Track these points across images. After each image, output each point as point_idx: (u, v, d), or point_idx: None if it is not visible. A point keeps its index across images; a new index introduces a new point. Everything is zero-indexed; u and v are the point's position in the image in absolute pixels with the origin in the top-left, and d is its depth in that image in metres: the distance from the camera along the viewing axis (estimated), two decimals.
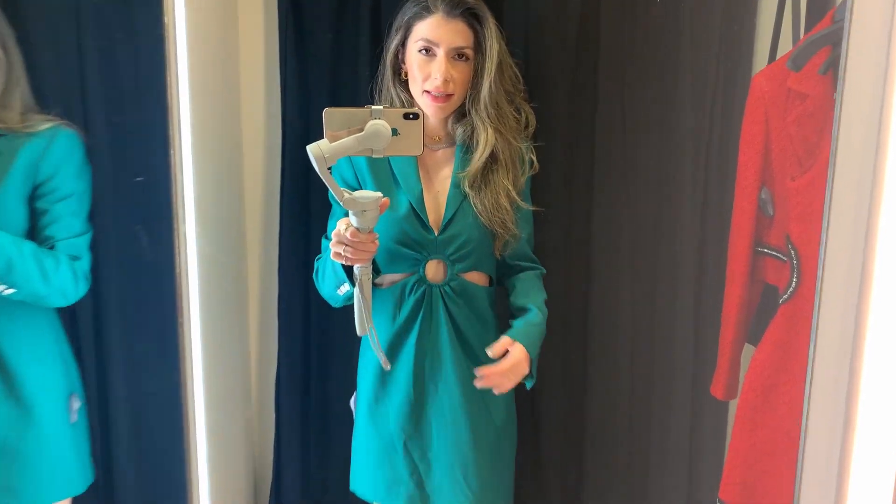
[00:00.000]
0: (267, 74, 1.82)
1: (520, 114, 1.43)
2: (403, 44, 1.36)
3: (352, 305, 1.27)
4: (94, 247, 1.42)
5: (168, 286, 1.46)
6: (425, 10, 1.32)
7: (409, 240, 1.35)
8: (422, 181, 1.39)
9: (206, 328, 1.56)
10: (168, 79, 1.38)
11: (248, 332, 1.89)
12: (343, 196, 1.10)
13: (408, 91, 1.39)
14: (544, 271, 1.51)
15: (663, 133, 1.80)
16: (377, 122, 1.07)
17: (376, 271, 1.33)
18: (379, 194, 1.13)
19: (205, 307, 1.55)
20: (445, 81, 1.31)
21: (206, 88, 1.57)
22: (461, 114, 1.40)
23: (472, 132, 1.38)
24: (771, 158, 1.35)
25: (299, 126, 1.73)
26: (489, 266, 1.44)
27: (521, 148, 1.41)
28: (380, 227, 1.24)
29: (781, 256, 1.34)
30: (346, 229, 1.16)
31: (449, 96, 1.33)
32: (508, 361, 1.30)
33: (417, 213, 1.36)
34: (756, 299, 1.46)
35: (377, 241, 1.19)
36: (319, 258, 1.42)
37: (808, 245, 1.15)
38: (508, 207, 1.37)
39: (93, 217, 1.42)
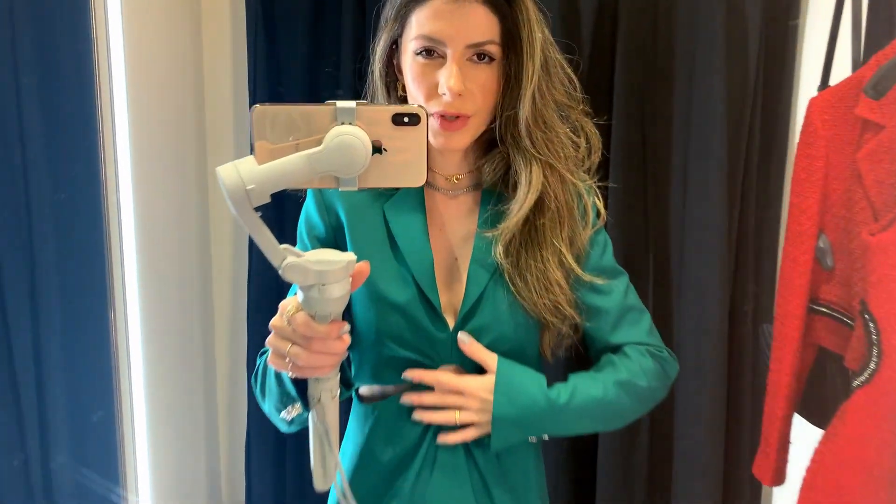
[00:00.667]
0: (234, 73, 1.67)
1: (578, 135, 1.00)
2: (397, 43, 0.94)
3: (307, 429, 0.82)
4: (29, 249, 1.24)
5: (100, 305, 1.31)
6: None
7: (411, 336, 0.95)
8: (432, 243, 0.96)
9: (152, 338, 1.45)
10: (96, 73, 1.19)
11: (213, 339, 1.80)
12: (282, 258, 0.66)
13: None
14: (665, 352, 1.03)
15: (690, 165, 1.61)
16: (346, 131, 0.64)
17: (346, 385, 0.94)
18: (349, 256, 0.69)
19: (150, 320, 1.43)
20: (459, 96, 0.87)
21: (154, 85, 1.44)
22: (489, 142, 0.98)
23: (508, 169, 0.96)
24: (832, 201, 1.13)
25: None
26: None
27: (579, 187, 0.98)
28: (360, 310, 0.93)
29: (845, 320, 1.12)
30: (291, 315, 0.72)
31: (466, 118, 0.89)
32: (450, 383, 0.93)
33: (424, 295, 0.94)
34: (808, 364, 1.23)
35: (347, 338, 0.74)
36: (263, 353, 0.97)
37: (894, 318, 0.93)
38: (563, 282, 0.94)
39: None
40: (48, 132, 1.20)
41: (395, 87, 0.98)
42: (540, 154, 0.93)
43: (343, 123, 0.64)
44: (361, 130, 0.64)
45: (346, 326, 0.74)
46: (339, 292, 0.69)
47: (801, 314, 1.16)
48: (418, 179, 0.68)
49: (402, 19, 0.91)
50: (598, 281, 0.99)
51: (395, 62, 0.96)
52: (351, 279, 0.71)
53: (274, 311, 0.76)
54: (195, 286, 1.72)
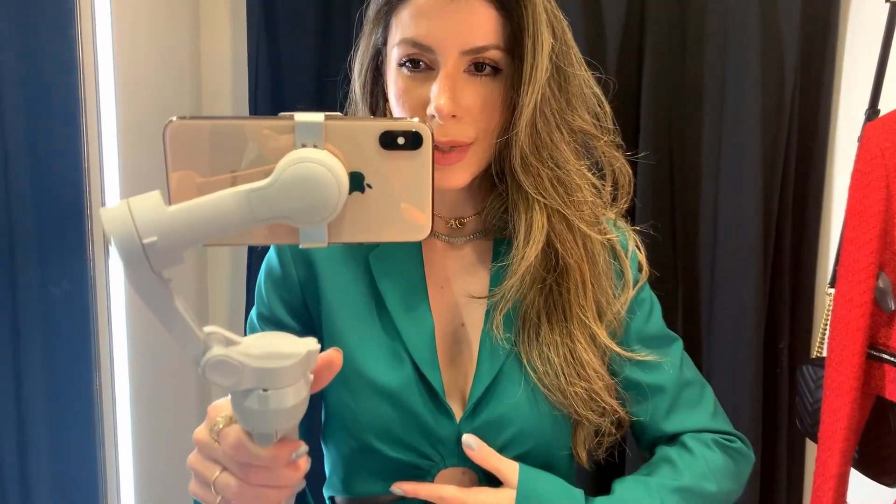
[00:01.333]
0: (234, 75, 1.59)
1: (601, 175, 0.77)
2: (381, 53, 0.73)
3: None
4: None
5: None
6: None
7: (403, 432, 0.72)
8: (432, 306, 0.75)
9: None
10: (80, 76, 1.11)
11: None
12: (202, 349, 0.45)
13: None
14: (737, 443, 0.81)
15: (721, 193, 1.51)
16: (308, 156, 0.42)
17: None
18: (308, 345, 0.47)
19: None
20: (453, 117, 0.66)
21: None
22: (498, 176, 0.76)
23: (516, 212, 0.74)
24: (893, 237, 1.02)
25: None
26: (568, 478, 0.76)
27: (612, 240, 0.78)
28: (335, 393, 0.72)
29: None
30: (219, 429, 0.50)
31: (465, 148, 0.68)
32: (455, 498, 0.70)
33: (422, 377, 0.73)
34: (866, 416, 1.12)
35: (304, 463, 0.51)
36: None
37: None
38: (598, 364, 0.73)
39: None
40: (29, 133, 1.11)
41: (382, 110, 0.76)
42: (543, 196, 0.70)
43: (305, 146, 0.42)
44: (331, 156, 0.42)
45: (303, 448, 0.51)
46: (291, 400, 0.46)
47: (859, 361, 1.05)
48: (418, 231, 0.46)
49: (383, 21, 0.70)
50: (645, 356, 0.77)
51: (382, 78, 0.74)
52: (312, 377, 0.49)
53: None
54: (190, 292, 1.62)
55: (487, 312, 0.75)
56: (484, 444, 0.72)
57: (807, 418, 1.27)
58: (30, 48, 1.10)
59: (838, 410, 1.08)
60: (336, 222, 0.44)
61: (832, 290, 1.23)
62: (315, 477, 0.61)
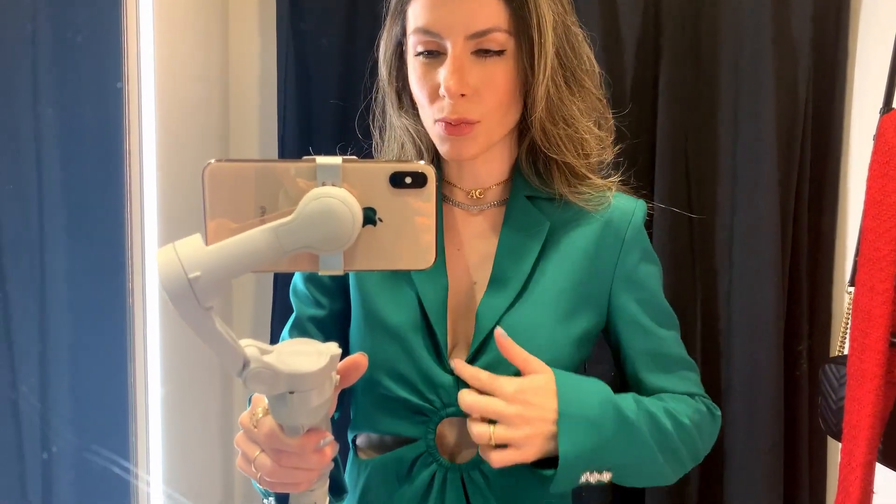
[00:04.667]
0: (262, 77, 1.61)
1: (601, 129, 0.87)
2: (402, 44, 0.83)
3: None
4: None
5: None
6: None
7: (406, 370, 0.80)
8: (448, 265, 0.84)
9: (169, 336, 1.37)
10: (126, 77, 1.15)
11: (231, 327, 1.71)
12: (243, 363, 0.52)
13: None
14: (717, 413, 0.90)
15: (738, 194, 1.53)
16: (327, 192, 0.49)
17: (337, 492, 0.76)
18: (331, 350, 0.55)
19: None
20: (462, 96, 0.75)
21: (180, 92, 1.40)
22: (510, 150, 0.87)
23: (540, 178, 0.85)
24: None
25: (298, 139, 1.55)
26: None
27: (603, 195, 0.87)
28: (356, 339, 0.81)
29: None
30: (258, 418, 0.61)
31: (472, 124, 0.77)
32: (502, 387, 0.74)
33: (428, 324, 0.81)
34: (890, 405, 1.12)
35: (330, 449, 0.60)
36: None
37: None
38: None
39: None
40: (67, 132, 1.15)
41: (407, 95, 0.85)
42: (556, 154, 0.82)
43: (325, 184, 0.49)
44: (348, 193, 0.49)
45: (328, 437, 0.59)
46: (315, 401, 0.54)
47: (882, 348, 1.06)
48: (423, 260, 0.52)
49: (401, 15, 0.80)
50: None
51: (405, 66, 0.84)
52: (338, 377, 0.58)
53: None
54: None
55: (494, 267, 0.83)
56: (512, 342, 0.77)
57: (831, 417, 1.27)
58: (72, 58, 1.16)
59: (862, 399, 1.09)
60: (350, 251, 0.50)
61: (852, 289, 1.24)
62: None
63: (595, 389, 0.78)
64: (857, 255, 1.21)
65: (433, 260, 0.52)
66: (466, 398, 0.75)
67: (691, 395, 0.88)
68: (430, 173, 0.51)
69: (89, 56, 1.20)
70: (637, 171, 0.92)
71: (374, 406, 0.83)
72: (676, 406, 0.84)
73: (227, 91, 1.65)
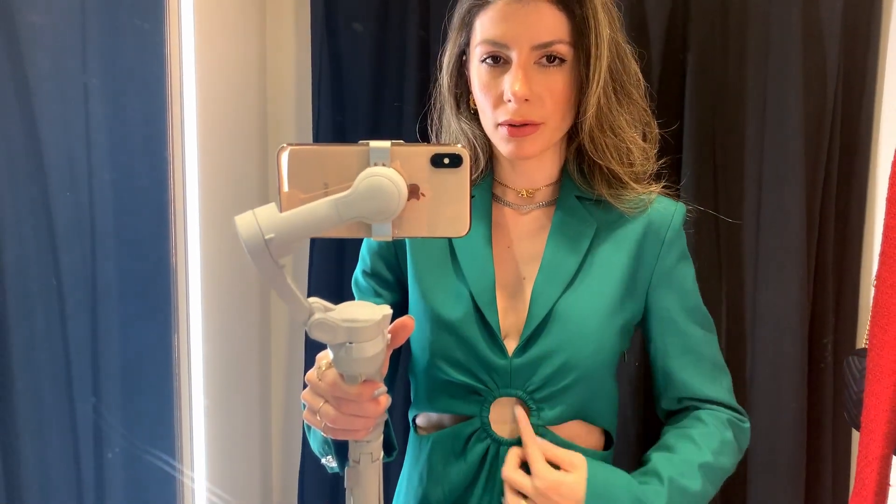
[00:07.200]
0: (297, 82, 1.69)
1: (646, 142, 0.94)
2: (465, 53, 0.90)
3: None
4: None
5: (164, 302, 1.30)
6: None
7: (464, 358, 0.88)
8: (496, 260, 0.91)
9: (212, 329, 1.45)
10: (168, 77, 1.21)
11: (269, 338, 1.82)
12: (308, 314, 0.62)
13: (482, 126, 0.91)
14: (746, 424, 0.97)
15: (765, 189, 1.54)
16: (378, 171, 0.58)
17: (389, 449, 0.84)
18: (384, 310, 0.65)
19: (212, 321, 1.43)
20: (526, 101, 0.82)
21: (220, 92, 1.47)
22: (559, 154, 0.94)
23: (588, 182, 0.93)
24: None
25: (332, 133, 1.61)
26: (605, 412, 0.93)
27: (646, 208, 0.93)
28: (415, 330, 0.85)
29: None
30: (322, 371, 0.70)
31: (535, 126, 0.83)
32: (544, 481, 0.81)
33: (481, 314, 0.88)
34: None
35: (384, 400, 0.69)
36: None
37: None
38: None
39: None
40: (115, 133, 1.21)
41: (465, 100, 0.93)
42: (601, 160, 0.88)
43: (375, 164, 0.58)
44: (395, 172, 0.58)
45: (382, 388, 0.69)
46: (370, 351, 0.64)
47: None
48: (460, 229, 0.61)
49: (467, 27, 0.87)
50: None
51: (465, 74, 0.91)
52: (389, 336, 0.67)
53: None
54: (253, 290, 1.72)
55: (543, 261, 0.90)
56: (548, 444, 0.86)
57: (853, 409, 1.29)
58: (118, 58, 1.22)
59: (880, 394, 1.11)
60: (397, 221, 0.60)
61: None
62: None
63: (624, 490, 0.84)
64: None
65: (467, 228, 0.61)
66: (509, 473, 0.84)
67: (720, 404, 0.95)
68: (465, 155, 0.59)
69: (135, 57, 1.26)
70: (663, 166, 0.97)
71: (433, 388, 0.92)
72: (704, 442, 0.90)
73: (265, 87, 1.71)
